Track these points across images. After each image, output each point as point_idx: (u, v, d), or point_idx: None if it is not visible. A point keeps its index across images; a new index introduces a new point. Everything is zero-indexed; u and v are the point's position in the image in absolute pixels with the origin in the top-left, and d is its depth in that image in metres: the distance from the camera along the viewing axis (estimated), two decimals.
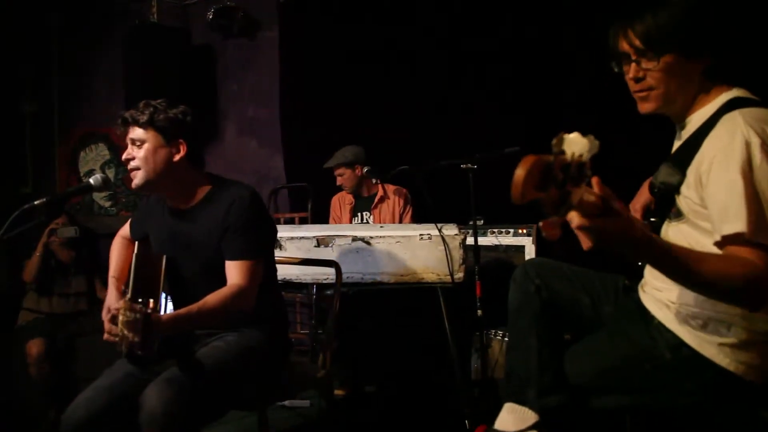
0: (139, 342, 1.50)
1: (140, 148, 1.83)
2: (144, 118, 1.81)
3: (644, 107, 1.41)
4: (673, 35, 1.31)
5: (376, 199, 3.62)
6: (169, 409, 1.57)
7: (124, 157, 1.86)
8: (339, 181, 3.64)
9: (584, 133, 0.91)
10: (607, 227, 1.00)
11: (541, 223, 0.96)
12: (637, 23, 1.34)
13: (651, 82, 1.37)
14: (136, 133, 1.83)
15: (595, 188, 1.00)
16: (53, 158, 4.93)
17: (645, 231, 1.09)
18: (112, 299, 1.92)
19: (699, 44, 1.33)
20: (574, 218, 0.99)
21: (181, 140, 1.84)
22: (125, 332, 1.50)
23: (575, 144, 0.89)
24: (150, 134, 1.82)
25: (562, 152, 0.89)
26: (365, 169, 3.52)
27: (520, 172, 0.88)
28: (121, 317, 1.51)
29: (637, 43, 1.34)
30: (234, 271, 1.80)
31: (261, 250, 1.87)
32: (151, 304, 1.52)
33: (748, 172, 1.22)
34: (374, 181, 3.58)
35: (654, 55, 1.33)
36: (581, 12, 3.29)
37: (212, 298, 1.75)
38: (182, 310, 1.71)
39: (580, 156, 0.89)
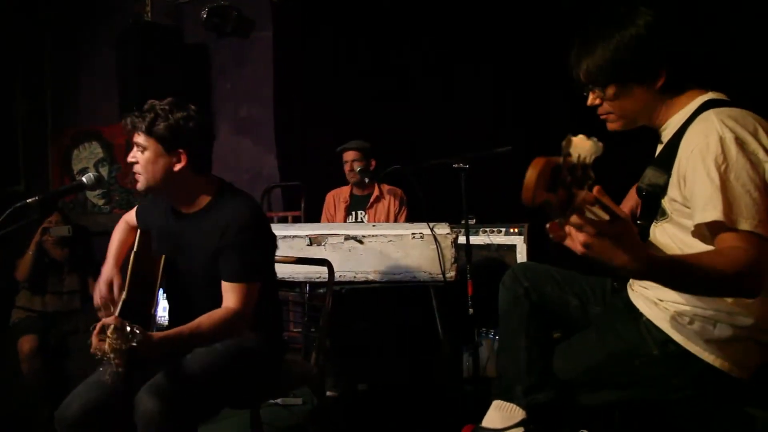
0: (122, 375, 1.47)
1: (142, 154, 1.80)
2: (143, 125, 1.78)
3: (610, 126, 1.50)
4: (607, 70, 1.40)
5: (371, 199, 3.59)
6: (165, 409, 1.57)
7: (128, 159, 1.84)
8: (349, 167, 3.58)
9: (588, 136, 0.92)
10: (615, 233, 1.00)
11: (548, 225, 0.96)
12: (578, 60, 1.44)
13: (607, 107, 1.46)
14: (139, 138, 1.80)
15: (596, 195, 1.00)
16: (46, 156, 4.91)
17: (644, 250, 1.08)
18: (108, 270, 1.95)
19: (639, 71, 1.39)
20: (579, 236, 0.99)
21: (181, 150, 1.80)
22: (111, 357, 1.45)
23: (581, 146, 0.91)
24: (150, 142, 1.78)
25: (569, 154, 0.90)
26: (358, 169, 3.52)
27: (531, 174, 0.89)
28: (109, 339, 1.46)
29: (582, 78, 1.45)
30: (229, 294, 1.77)
31: (257, 273, 1.82)
32: (139, 334, 1.47)
33: (725, 165, 1.25)
34: (366, 180, 3.58)
35: (599, 88, 1.43)
36: (576, 14, 3.31)
37: (206, 321, 1.71)
38: (173, 331, 1.67)
39: (585, 159, 0.90)
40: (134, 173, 1.83)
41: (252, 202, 1.90)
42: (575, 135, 0.92)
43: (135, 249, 1.84)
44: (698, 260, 1.18)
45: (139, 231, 1.94)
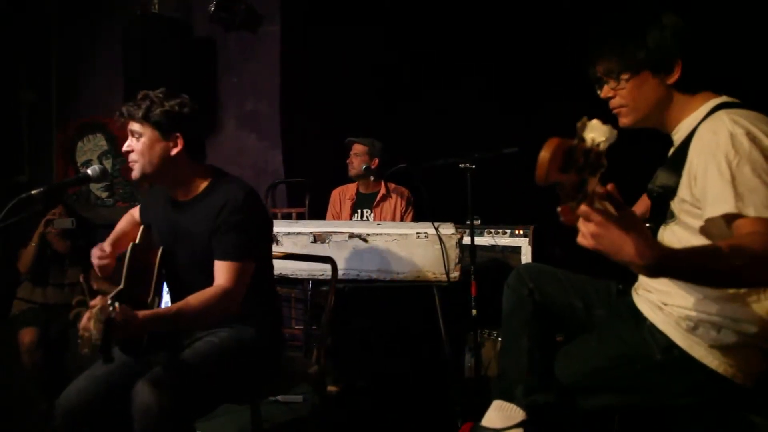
0: (99, 344, 1.45)
1: (138, 141, 1.82)
2: (139, 113, 1.80)
3: (621, 122, 1.50)
4: (623, 57, 1.43)
5: (378, 197, 3.58)
6: (162, 402, 1.57)
7: (123, 148, 1.85)
8: (350, 159, 3.59)
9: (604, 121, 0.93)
10: (623, 223, 1.01)
11: (559, 208, 0.97)
12: (595, 53, 1.48)
13: (620, 100, 1.47)
14: (134, 125, 1.82)
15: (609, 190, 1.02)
16: (50, 147, 4.91)
17: (656, 241, 1.08)
18: (96, 249, 1.97)
19: (655, 58, 1.41)
20: (588, 226, 1.01)
21: (178, 134, 1.83)
22: (93, 331, 1.46)
23: (596, 130, 0.92)
24: (146, 128, 1.81)
25: (583, 139, 0.91)
26: (363, 167, 3.51)
27: (545, 154, 0.91)
28: (94, 316, 1.46)
29: (598, 71, 1.48)
30: (220, 272, 1.78)
31: (250, 252, 1.82)
32: (117, 308, 1.46)
33: (735, 159, 1.25)
34: (372, 178, 3.57)
35: (615, 76, 1.45)
36: (583, 13, 3.30)
37: (194, 298, 1.71)
38: (161, 309, 1.68)
39: (599, 145, 0.91)
40: (129, 162, 1.85)
41: (246, 186, 1.91)
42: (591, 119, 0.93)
43: (135, 241, 1.85)
44: (716, 249, 1.15)
45: (142, 227, 1.96)
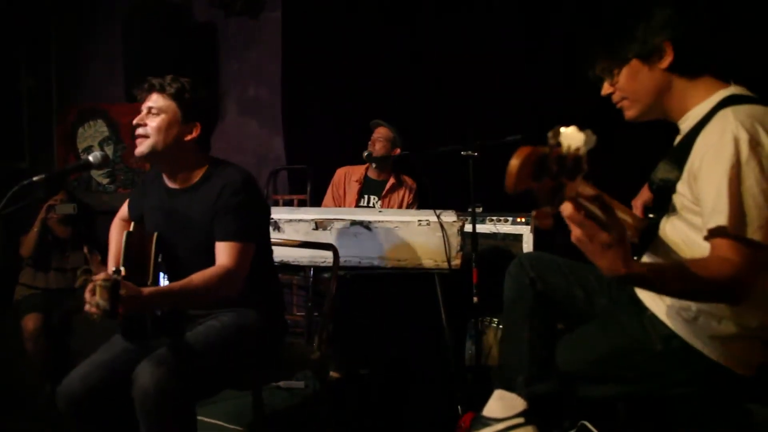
0: (108, 308, 1.47)
1: (155, 117, 1.82)
2: (171, 89, 1.83)
3: (627, 115, 1.50)
4: (611, 50, 1.44)
5: (387, 186, 3.53)
6: (162, 385, 1.58)
7: (135, 121, 1.84)
8: (371, 144, 3.52)
9: (583, 127, 0.92)
10: (603, 241, 1.04)
11: (533, 213, 0.97)
12: (593, 53, 1.49)
13: (619, 94, 1.46)
14: (158, 101, 1.83)
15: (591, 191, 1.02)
16: (51, 134, 4.89)
17: (631, 260, 1.12)
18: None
19: (639, 44, 1.40)
20: (573, 229, 1.03)
21: (197, 123, 1.85)
22: (99, 300, 1.48)
23: (571, 138, 0.91)
24: (171, 107, 1.82)
25: (558, 145, 0.90)
26: (365, 153, 3.49)
27: (514, 162, 0.90)
28: (98, 288, 1.49)
29: (597, 71, 1.49)
30: (222, 253, 1.79)
31: (251, 234, 1.84)
32: (123, 272, 1.49)
33: (736, 167, 1.24)
34: (373, 165, 3.55)
35: (608, 73, 1.46)
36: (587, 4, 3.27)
37: (197, 277, 1.72)
38: (165, 286, 1.71)
39: (577, 149, 0.90)
40: (138, 137, 1.83)
41: (243, 170, 1.92)
42: (567, 126, 0.92)
43: (124, 241, 1.83)
44: (682, 273, 1.21)
45: (132, 224, 1.97)
